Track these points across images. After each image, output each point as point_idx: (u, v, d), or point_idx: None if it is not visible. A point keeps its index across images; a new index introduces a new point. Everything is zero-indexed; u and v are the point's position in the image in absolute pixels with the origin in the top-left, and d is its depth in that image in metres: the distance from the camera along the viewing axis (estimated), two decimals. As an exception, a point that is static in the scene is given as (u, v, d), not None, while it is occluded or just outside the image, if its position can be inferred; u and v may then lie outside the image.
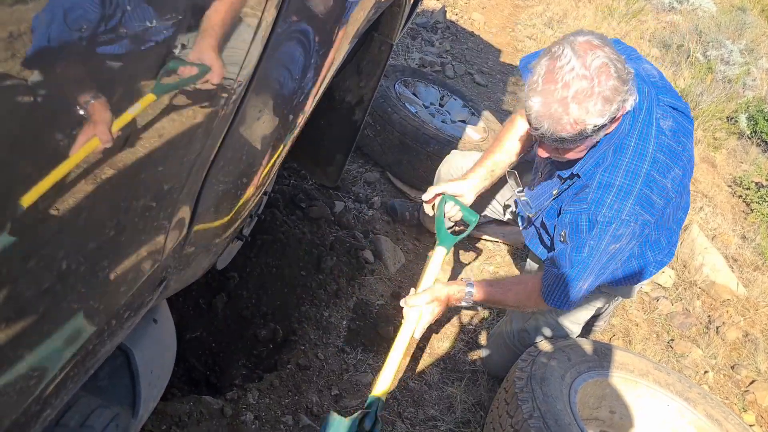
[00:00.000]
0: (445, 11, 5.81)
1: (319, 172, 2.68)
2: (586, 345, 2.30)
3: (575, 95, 1.64)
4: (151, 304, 1.17)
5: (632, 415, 2.33)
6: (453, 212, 2.30)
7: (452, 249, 2.46)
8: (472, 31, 5.93)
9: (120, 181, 0.80)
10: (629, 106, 1.74)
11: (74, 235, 0.75)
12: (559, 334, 2.36)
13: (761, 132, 5.71)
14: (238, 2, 0.95)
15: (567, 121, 1.67)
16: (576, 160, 1.94)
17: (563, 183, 2.07)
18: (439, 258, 2.20)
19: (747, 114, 5.92)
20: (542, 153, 1.89)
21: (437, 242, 2.24)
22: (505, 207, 2.62)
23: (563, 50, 1.66)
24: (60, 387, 0.89)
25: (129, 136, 0.77)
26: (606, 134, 1.84)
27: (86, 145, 0.71)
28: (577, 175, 1.98)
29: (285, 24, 1.10)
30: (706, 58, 7.10)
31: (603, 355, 2.28)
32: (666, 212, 2.01)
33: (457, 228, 2.50)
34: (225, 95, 1.00)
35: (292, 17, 1.15)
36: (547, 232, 2.21)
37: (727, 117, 5.91)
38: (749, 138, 5.83)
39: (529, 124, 1.75)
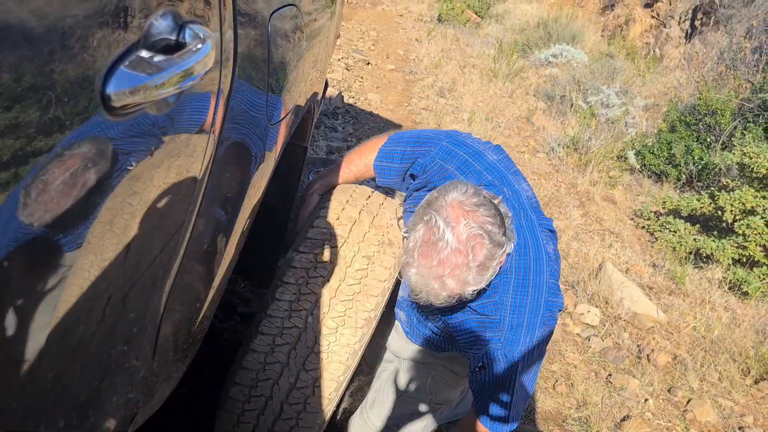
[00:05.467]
0: (342, 96, 6.07)
1: (251, 275, 2.73)
2: None
3: (452, 272, 1.63)
4: (124, 441, 1.20)
5: None
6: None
7: None
8: (371, 111, 6.21)
9: (102, 340, 0.86)
10: (509, 251, 1.73)
11: (67, 395, 0.81)
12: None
13: (650, 165, 6.18)
14: (177, 157, 1.05)
15: (445, 295, 1.67)
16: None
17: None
18: None
19: (634, 150, 6.40)
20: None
21: None
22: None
23: (436, 221, 1.64)
24: None
25: (107, 303, 0.85)
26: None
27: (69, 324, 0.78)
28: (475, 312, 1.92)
29: (216, 175, 1.21)
30: (587, 105, 7.65)
31: None
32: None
33: None
34: (176, 244, 1.09)
35: (223, 168, 1.25)
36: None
37: (617, 156, 6.37)
38: (640, 172, 6.29)
39: (410, 289, 1.75)
